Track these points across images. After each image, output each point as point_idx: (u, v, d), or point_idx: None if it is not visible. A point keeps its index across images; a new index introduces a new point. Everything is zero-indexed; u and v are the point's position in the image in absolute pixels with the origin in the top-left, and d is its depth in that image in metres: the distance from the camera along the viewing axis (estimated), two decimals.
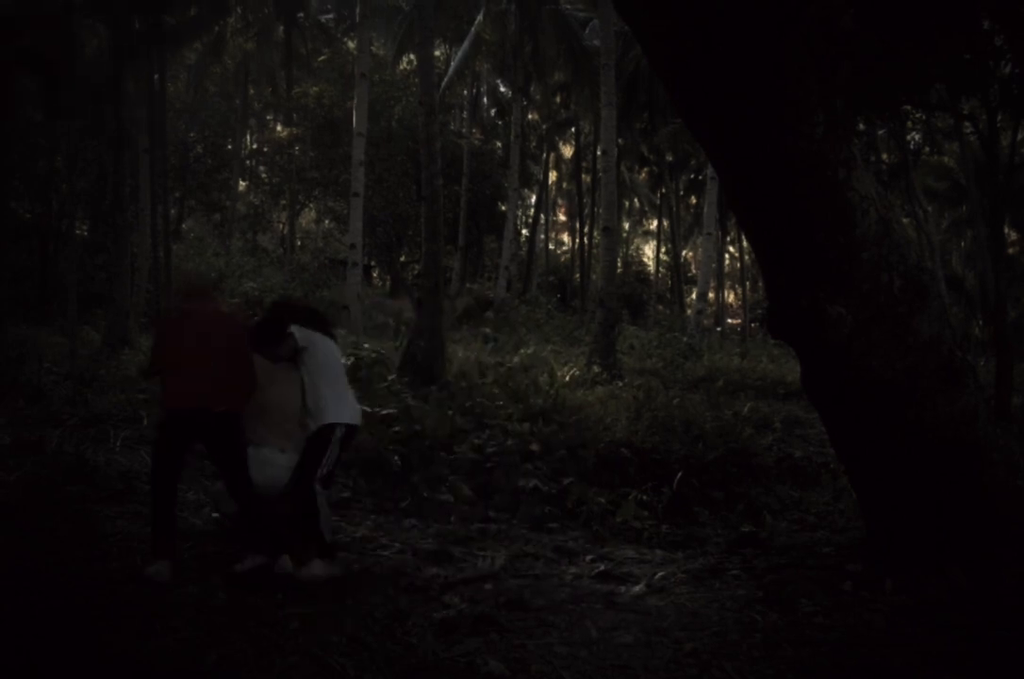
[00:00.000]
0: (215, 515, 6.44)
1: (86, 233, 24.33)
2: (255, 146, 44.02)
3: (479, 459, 9.58)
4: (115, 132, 20.57)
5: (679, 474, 9.65)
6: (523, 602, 5.30)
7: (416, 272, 31.00)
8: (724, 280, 44.22)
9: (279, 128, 41.63)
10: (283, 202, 37.53)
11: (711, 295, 34.10)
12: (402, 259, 37.08)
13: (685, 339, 22.36)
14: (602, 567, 6.31)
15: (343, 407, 5.79)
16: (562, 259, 50.31)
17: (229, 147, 37.28)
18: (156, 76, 21.27)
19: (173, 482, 5.66)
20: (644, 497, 9.11)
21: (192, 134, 34.92)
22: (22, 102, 21.25)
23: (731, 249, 47.97)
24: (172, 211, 28.35)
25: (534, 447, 10.04)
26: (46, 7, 20.00)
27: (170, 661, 4.26)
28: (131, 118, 21.95)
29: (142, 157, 23.24)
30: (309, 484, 5.62)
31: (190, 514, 6.82)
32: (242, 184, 39.07)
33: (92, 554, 5.71)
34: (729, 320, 43.35)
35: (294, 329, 5.77)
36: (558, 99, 37.51)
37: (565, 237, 56.06)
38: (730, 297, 52.45)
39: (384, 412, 10.25)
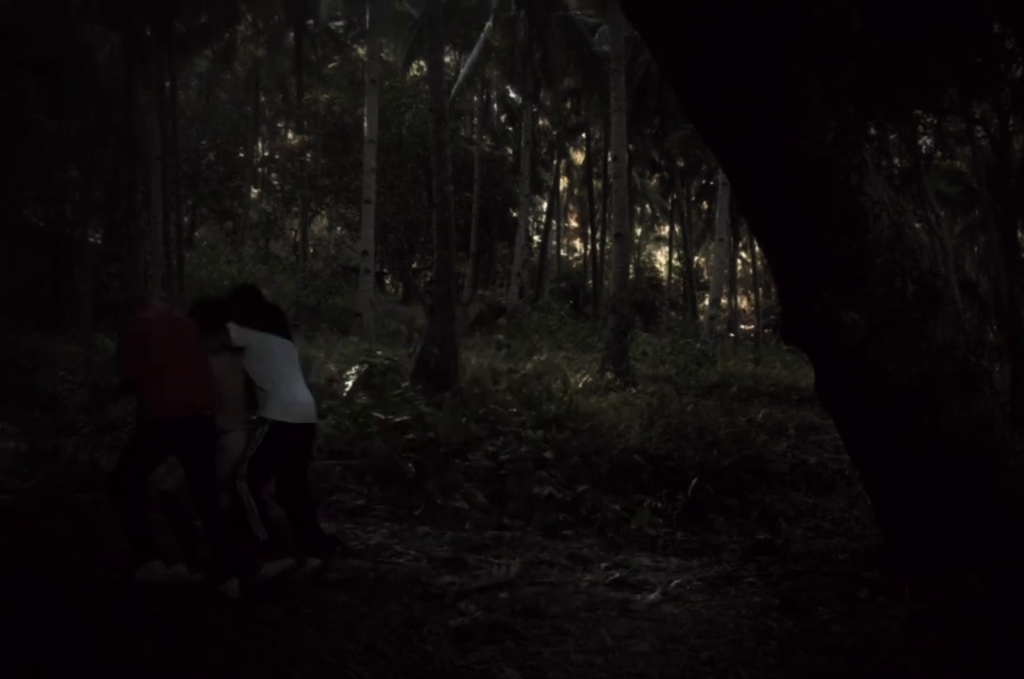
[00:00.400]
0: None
1: (99, 242, 24.42)
2: (267, 153, 44.12)
3: (493, 466, 9.58)
4: (127, 140, 20.68)
5: (693, 481, 9.64)
6: (538, 610, 5.30)
7: (428, 279, 31.00)
8: (737, 286, 44.14)
9: (290, 135, 41.73)
10: (295, 209, 37.61)
11: (724, 301, 34.05)
12: (414, 266, 37.12)
13: (698, 345, 22.32)
14: (617, 575, 6.29)
15: (273, 404, 5.73)
16: (574, 265, 50.28)
17: (241, 154, 37.39)
18: (167, 83, 21.38)
19: (144, 490, 5.62)
20: (658, 504, 9.09)
21: (204, 142, 35.05)
22: (34, 111, 21.37)
23: (743, 255, 47.87)
24: (184, 219, 28.48)
25: (548, 454, 10.03)
26: (56, 15, 20.12)
27: (182, 669, 4.26)
28: (143, 126, 22.06)
29: (154, 165, 23.35)
30: (230, 476, 5.63)
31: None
32: (254, 191, 39.16)
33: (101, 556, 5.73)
34: (742, 326, 43.24)
35: (231, 327, 5.72)
36: (568, 105, 37.52)
37: (577, 243, 56.03)
38: (743, 303, 52.31)
39: (398, 419, 10.26)
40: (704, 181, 41.44)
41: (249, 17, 34.48)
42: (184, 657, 4.31)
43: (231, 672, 4.23)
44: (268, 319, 5.98)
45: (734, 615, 5.27)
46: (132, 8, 20.38)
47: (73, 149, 21.07)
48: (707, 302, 29.97)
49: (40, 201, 24.02)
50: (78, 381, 12.99)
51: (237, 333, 5.74)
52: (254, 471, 5.74)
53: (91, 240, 23.59)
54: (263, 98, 39.30)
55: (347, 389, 11.69)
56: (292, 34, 36.06)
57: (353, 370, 12.27)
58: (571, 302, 38.26)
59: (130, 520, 5.41)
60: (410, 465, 9.23)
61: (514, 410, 11.81)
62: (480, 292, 33.27)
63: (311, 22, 36.02)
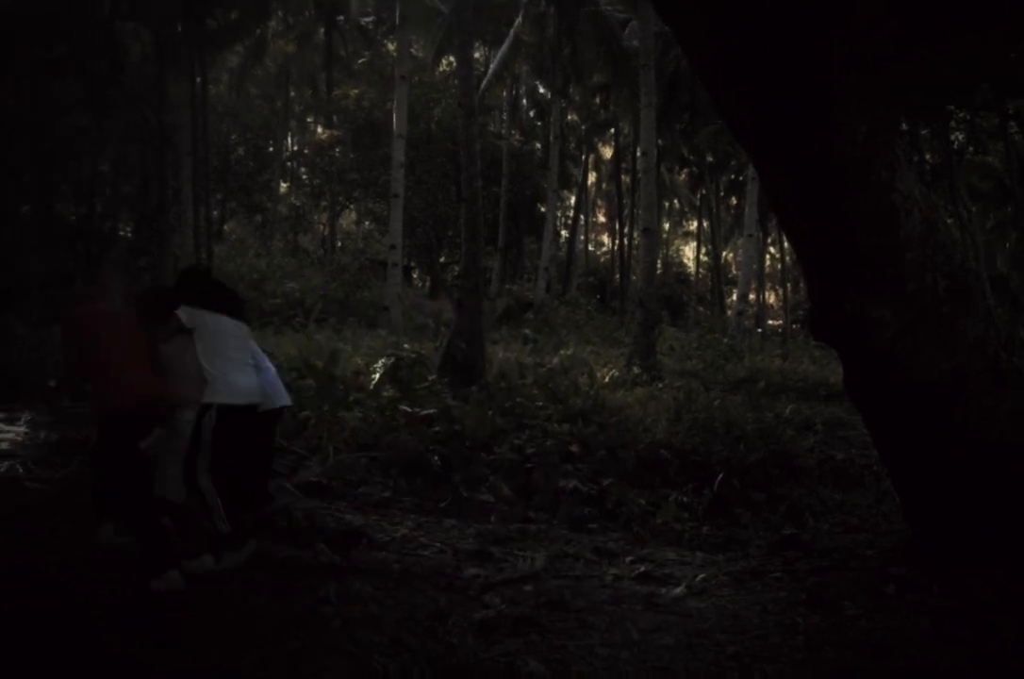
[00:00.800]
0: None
1: (130, 235, 24.57)
2: (296, 148, 44.29)
3: (519, 459, 9.58)
4: (158, 136, 20.81)
5: (720, 476, 9.60)
6: (564, 603, 5.29)
7: (456, 273, 31.03)
8: (765, 281, 43.92)
9: (320, 130, 41.85)
10: (324, 203, 37.73)
11: (752, 296, 33.87)
12: (442, 260, 37.14)
13: (726, 340, 22.22)
14: (643, 568, 6.28)
15: (220, 386, 5.66)
16: (601, 260, 50.18)
17: (270, 149, 37.55)
18: (198, 79, 21.50)
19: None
20: (685, 499, 9.07)
21: (234, 136, 35.22)
22: (66, 107, 21.53)
23: (772, 250, 47.63)
24: (214, 213, 28.64)
25: (574, 448, 10.03)
26: (89, 13, 20.28)
27: (209, 661, 4.28)
28: (174, 121, 22.20)
29: (185, 160, 23.51)
30: (190, 469, 5.57)
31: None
32: (283, 186, 39.33)
33: None
34: (770, 321, 43.04)
35: (181, 310, 5.67)
36: (597, 100, 37.41)
37: (604, 238, 55.89)
38: (771, 298, 52.08)
39: (424, 412, 10.28)
40: (733, 176, 41.24)
41: (280, 13, 34.66)
42: (204, 652, 4.34)
43: (271, 672, 4.25)
44: (219, 299, 5.91)
45: (760, 610, 5.25)
46: (164, 5, 20.51)
47: (105, 145, 21.24)
48: (735, 297, 29.85)
49: (71, 196, 24.18)
50: None
51: (187, 315, 5.68)
52: (226, 462, 5.67)
53: (121, 234, 23.78)
54: (293, 93, 39.47)
55: (374, 382, 11.72)
56: (322, 30, 36.20)
57: (380, 363, 12.30)
58: (598, 297, 38.18)
59: (152, 524, 5.40)
60: (436, 458, 9.24)
61: (540, 404, 11.80)
62: (507, 286, 33.26)
63: (341, 18, 36.14)
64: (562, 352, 17.41)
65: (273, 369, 6.52)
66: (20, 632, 4.45)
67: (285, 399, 6.51)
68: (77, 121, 21.33)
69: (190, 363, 5.72)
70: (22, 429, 9.37)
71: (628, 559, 6.66)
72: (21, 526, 6.12)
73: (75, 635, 4.47)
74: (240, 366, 5.86)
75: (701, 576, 6.04)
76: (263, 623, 4.76)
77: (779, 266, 44.95)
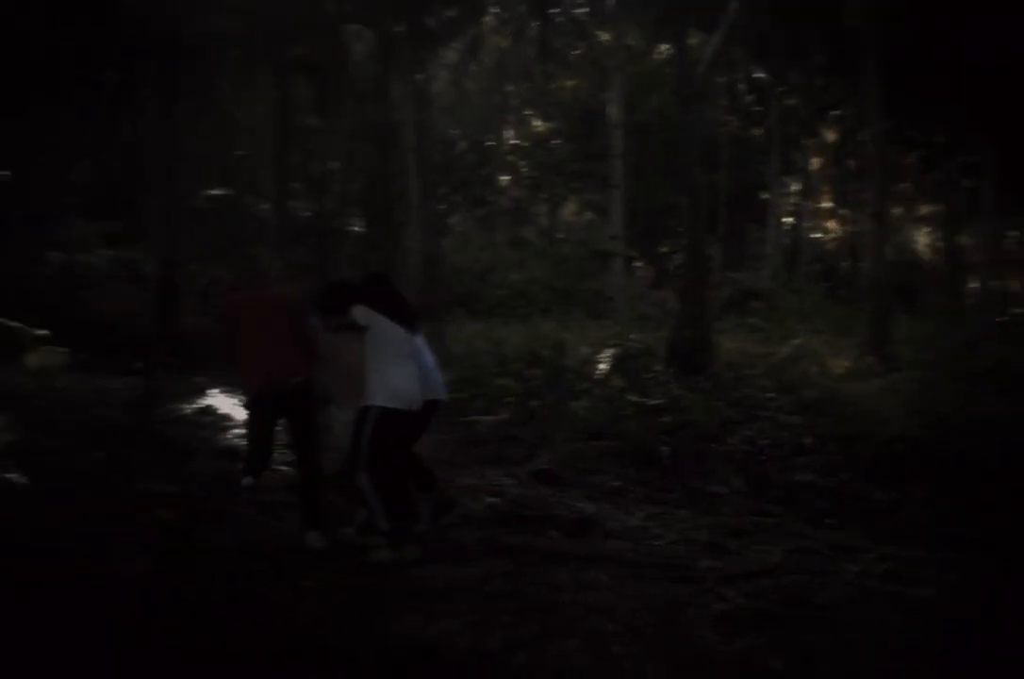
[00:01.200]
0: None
1: (360, 230, 25.51)
2: (515, 141, 44.90)
3: (751, 451, 9.34)
4: (383, 133, 21.51)
5: (970, 474, 9.03)
6: (805, 599, 5.13)
7: (678, 262, 30.69)
8: (1007, 267, 41.38)
9: (537, 123, 42.24)
10: (543, 195, 38.06)
11: (993, 282, 31.96)
12: (664, 250, 36.84)
13: (967, 329, 21.06)
14: (887, 566, 6.01)
15: (382, 390, 5.87)
16: (828, 247, 48.52)
17: (491, 143, 38.18)
18: (420, 77, 22.06)
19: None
20: (928, 495, 8.60)
21: (455, 132, 35.99)
22: (300, 109, 22.57)
23: (1014, 233, 44.83)
24: (440, 207, 29.37)
25: (807, 440, 9.69)
26: (318, 17, 21.17)
27: (455, 644, 4.37)
28: (397, 119, 22.88)
29: (409, 156, 24.18)
30: (354, 462, 5.84)
31: (469, 500, 7.02)
32: (504, 178, 39.91)
33: None
34: (1015, 309, 40.51)
35: (359, 308, 5.95)
36: (820, 83, 36.15)
37: (831, 224, 54.00)
38: (1016, 284, 49.01)
39: (652, 402, 10.21)
40: (967, 157, 38.96)
41: (495, 9, 35.14)
42: (450, 633, 4.44)
43: (512, 654, 4.30)
44: (395, 307, 6.14)
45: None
46: (385, 6, 21.16)
47: (335, 144, 22.14)
48: (974, 284, 28.28)
49: (304, 193, 25.35)
50: None
51: (363, 314, 5.95)
52: (386, 462, 5.88)
53: (355, 229, 24.77)
54: (510, 87, 39.97)
55: (601, 372, 11.73)
56: (536, 23, 36.48)
57: (606, 353, 12.30)
58: (826, 284, 36.94)
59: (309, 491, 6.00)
60: (665, 448, 9.15)
61: (771, 395, 11.48)
62: (730, 275, 32.65)
63: (555, 10, 36.32)
64: (791, 341, 16.91)
65: (432, 364, 6.61)
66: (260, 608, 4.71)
67: (441, 394, 6.58)
68: (308, 122, 22.34)
69: (351, 357, 6.02)
70: None
71: (870, 556, 6.38)
72: None
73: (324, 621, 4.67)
74: (404, 372, 6.04)
75: (951, 577, 5.73)
76: (502, 608, 4.83)
77: None
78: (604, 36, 37.64)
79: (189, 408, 10.50)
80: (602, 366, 11.90)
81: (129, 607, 4.42)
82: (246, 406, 6.50)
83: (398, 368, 6.00)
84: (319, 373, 6.11)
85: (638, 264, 39.11)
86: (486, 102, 38.30)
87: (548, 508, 7.01)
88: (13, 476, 6.17)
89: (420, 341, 6.44)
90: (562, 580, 5.31)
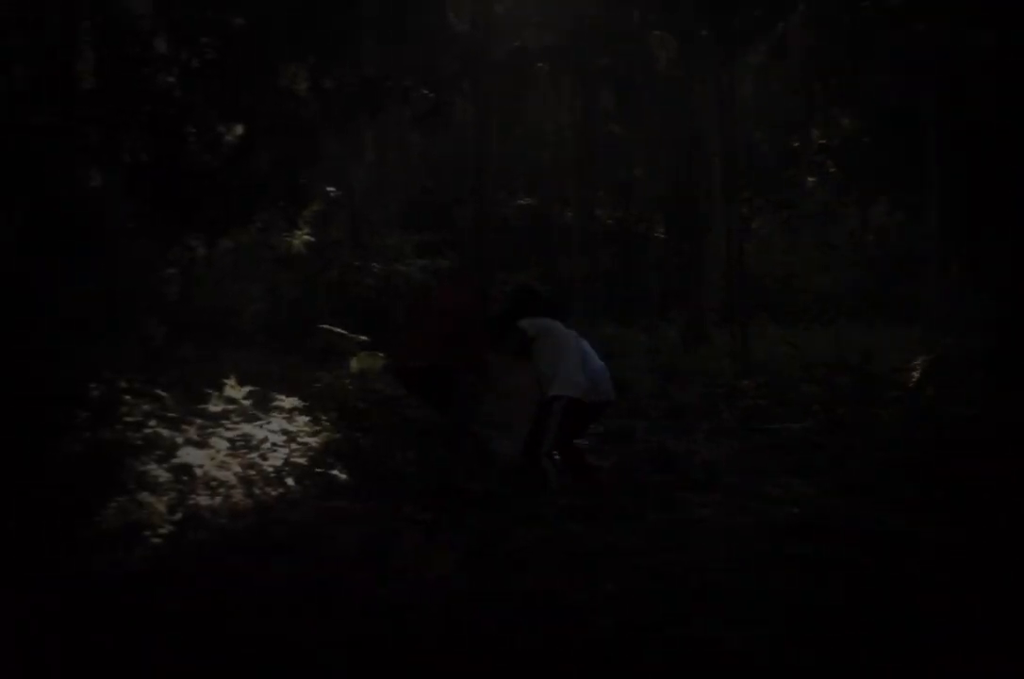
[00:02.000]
0: None
1: (663, 236, 25.65)
2: (823, 141, 43.50)
3: None
4: (687, 137, 21.53)
5: None
6: None
7: (1001, 264, 28.70)
8: None
9: (846, 121, 40.78)
10: (852, 197, 36.62)
11: None
12: (985, 250, 34.51)
13: None
14: None
15: (568, 384, 6.64)
16: None
17: (796, 143, 37.19)
18: (724, 79, 21.92)
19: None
20: None
21: (758, 134, 35.32)
22: (602, 116, 22.97)
23: None
24: (743, 210, 29.01)
25: None
26: (622, 25, 21.50)
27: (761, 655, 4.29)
28: (701, 124, 22.84)
29: (712, 160, 24.06)
30: (534, 449, 6.66)
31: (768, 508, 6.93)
32: (810, 180, 38.77)
33: None
34: None
35: (524, 322, 6.76)
36: None
37: None
38: None
39: (968, 413, 9.63)
40: None
41: (802, 6, 34.18)
42: None
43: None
44: (552, 308, 7.12)
45: None
46: (689, 9, 21.17)
47: (638, 150, 22.39)
48: None
49: (607, 200, 25.77)
50: (645, 367, 13.77)
51: (530, 325, 6.77)
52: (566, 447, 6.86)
53: (656, 235, 24.96)
54: (817, 86, 38.73)
55: (912, 379, 11.23)
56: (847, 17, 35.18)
57: (918, 360, 11.77)
58: None
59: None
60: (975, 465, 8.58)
61: None
62: None
63: (865, 3, 34.91)
64: None
65: (602, 366, 7.27)
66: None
67: (611, 395, 7.29)
68: (613, 131, 22.71)
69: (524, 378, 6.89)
70: None
71: None
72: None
73: None
74: (575, 365, 6.80)
75: None
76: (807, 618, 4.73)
77: None
78: (920, 27, 35.79)
79: None
80: (914, 374, 11.39)
81: (437, 607, 4.62)
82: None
83: (569, 362, 6.77)
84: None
85: (955, 266, 36.93)
86: (791, 102, 37.36)
87: (849, 520, 6.78)
88: (335, 472, 6.68)
89: (587, 345, 7.14)
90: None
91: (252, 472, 6.35)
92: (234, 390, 7.62)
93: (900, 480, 8.32)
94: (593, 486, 6.83)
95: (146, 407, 6.80)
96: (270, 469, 6.50)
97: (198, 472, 6.03)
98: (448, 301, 7.48)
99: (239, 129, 13.00)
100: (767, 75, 35.94)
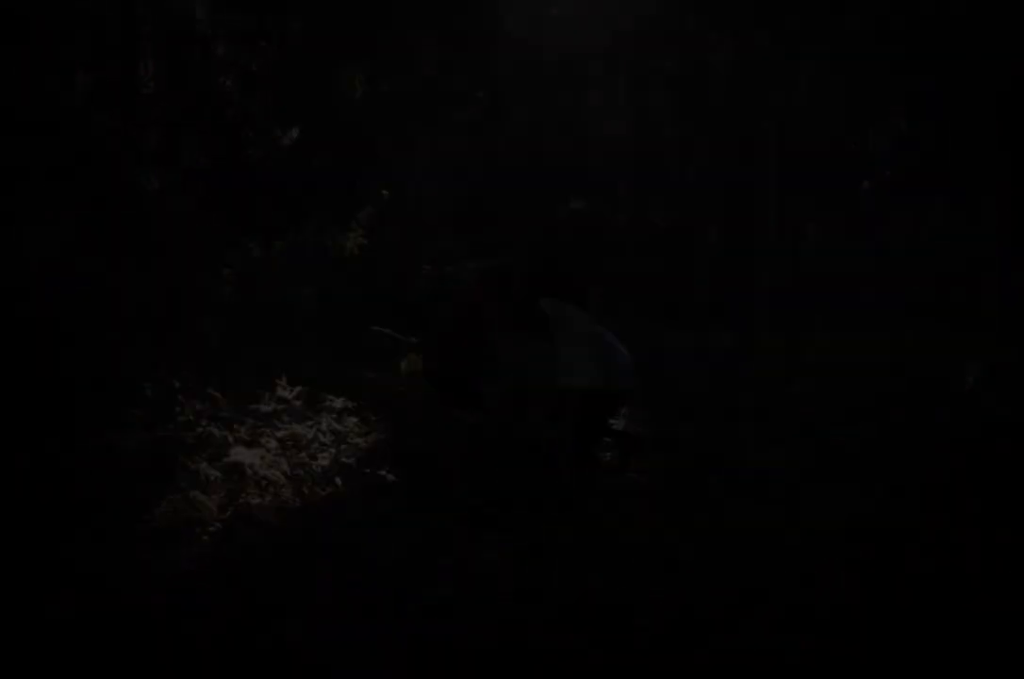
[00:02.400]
0: None
1: (716, 237, 25.50)
2: (879, 143, 43.02)
3: None
4: (743, 139, 21.41)
5: None
6: None
7: None
8: None
9: (902, 124, 40.28)
10: (908, 200, 36.15)
11: None
12: None
13: None
14: None
15: (581, 373, 6.58)
16: None
17: (853, 146, 36.78)
18: (781, 81, 21.72)
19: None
20: None
21: (814, 135, 34.97)
22: (657, 120, 22.91)
23: None
24: (798, 213, 28.76)
25: None
26: (678, 27, 21.44)
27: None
28: (757, 128, 22.69)
29: (768, 162, 23.87)
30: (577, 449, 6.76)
31: None
32: (866, 183, 38.35)
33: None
34: None
35: (544, 303, 6.73)
36: None
37: None
38: None
39: None
40: None
41: (861, 8, 33.81)
42: None
43: None
44: (572, 292, 7.02)
45: None
46: (747, 12, 21.07)
47: (694, 153, 22.30)
48: None
49: (661, 203, 25.71)
50: (695, 369, 13.70)
51: (549, 305, 6.76)
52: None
53: (709, 237, 24.84)
54: (875, 87, 38.30)
55: None
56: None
57: None
58: None
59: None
60: None
61: None
62: None
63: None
64: None
65: (625, 353, 7.05)
66: None
67: (629, 383, 7.04)
68: (664, 132, 22.63)
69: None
70: None
71: None
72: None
73: None
74: (596, 352, 6.75)
75: None
76: None
77: None
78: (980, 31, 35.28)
79: None
80: (970, 378, 11.20)
81: (484, 607, 4.67)
82: None
83: (589, 349, 6.73)
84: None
85: (1014, 270, 36.29)
86: (848, 103, 36.97)
87: (903, 526, 6.67)
88: (383, 473, 6.74)
89: (611, 335, 7.00)
90: None
91: (301, 472, 6.44)
92: (285, 390, 7.71)
93: (954, 486, 8.24)
94: (586, 476, 6.92)
95: (199, 406, 6.92)
96: (319, 469, 6.59)
97: (248, 471, 6.13)
98: (477, 301, 7.59)
99: (295, 132, 13.16)
100: (824, 76, 35.65)
